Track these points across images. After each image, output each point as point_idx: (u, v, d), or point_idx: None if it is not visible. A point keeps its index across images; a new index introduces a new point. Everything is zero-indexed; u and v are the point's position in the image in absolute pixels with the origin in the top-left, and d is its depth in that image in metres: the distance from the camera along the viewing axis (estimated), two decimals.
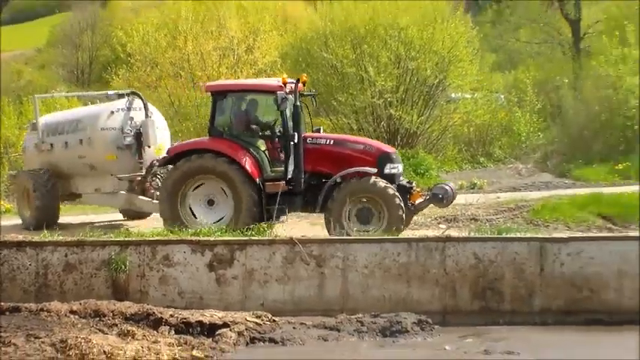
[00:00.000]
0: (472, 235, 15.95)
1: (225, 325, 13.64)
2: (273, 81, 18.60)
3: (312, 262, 15.09)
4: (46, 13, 76.11)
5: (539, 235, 15.99)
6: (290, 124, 17.86)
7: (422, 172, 28.04)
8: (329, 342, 13.37)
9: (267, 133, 18.35)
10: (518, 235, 15.76)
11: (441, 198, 18.15)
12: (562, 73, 37.11)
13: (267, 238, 15.64)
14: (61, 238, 15.98)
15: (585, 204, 21.04)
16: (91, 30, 55.36)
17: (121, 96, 20.75)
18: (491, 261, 15.00)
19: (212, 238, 15.57)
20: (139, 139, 20.13)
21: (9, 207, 24.96)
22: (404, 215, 17.35)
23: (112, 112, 20.22)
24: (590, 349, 13.43)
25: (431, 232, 17.84)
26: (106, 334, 13.10)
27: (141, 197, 19.95)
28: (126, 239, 15.81)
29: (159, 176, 19.76)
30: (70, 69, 56.02)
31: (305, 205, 17.92)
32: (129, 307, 14.26)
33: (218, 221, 17.52)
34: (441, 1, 32.21)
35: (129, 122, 20.18)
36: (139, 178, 20.08)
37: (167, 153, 18.64)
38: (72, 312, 14.02)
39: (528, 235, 15.91)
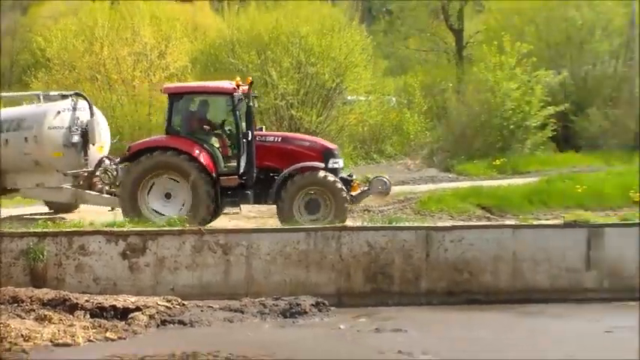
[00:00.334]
0: (365, 224, 16.10)
1: (138, 309, 13.53)
2: (227, 84, 18.42)
3: (218, 250, 15.03)
4: None
5: (426, 224, 16.21)
6: (243, 123, 17.80)
7: None
8: (234, 323, 13.37)
9: (221, 131, 18.25)
10: (407, 224, 15.94)
11: (380, 189, 18.39)
12: (447, 78, 37.50)
13: (177, 228, 15.53)
14: None
15: (467, 196, 21.34)
16: (12, 36, 54.01)
17: (64, 97, 20.31)
18: (382, 248, 15.16)
19: (125, 229, 15.43)
20: (85, 137, 19.72)
21: None
22: (348, 205, 17.55)
23: (59, 112, 19.76)
24: (469, 325, 13.69)
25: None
26: (24, 318, 12.87)
27: (89, 192, 19.54)
28: (44, 230, 15.56)
29: (109, 172, 19.21)
30: None
31: (256, 197, 17.79)
32: (46, 293, 14.02)
33: (178, 211, 17.25)
34: (338, 12, 32.30)
35: (75, 121, 19.75)
36: (86, 174, 19.65)
37: (127, 150, 18.19)
38: None
39: (416, 224, 16.10)
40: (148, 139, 19.11)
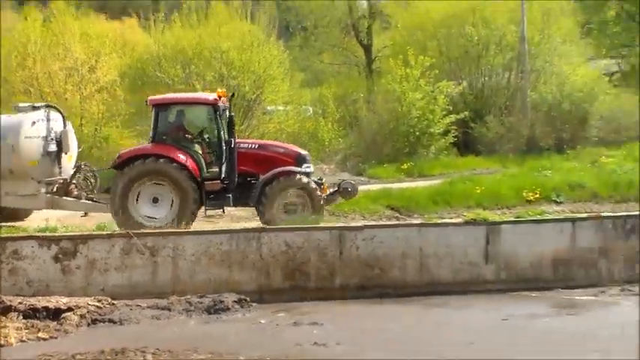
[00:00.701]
0: (283, 225, 16.01)
1: (69, 309, 13.22)
2: (209, 95, 18.52)
3: (146, 252, 14.78)
4: None
5: (339, 225, 16.19)
6: (223, 131, 17.79)
7: None
8: (161, 320, 13.17)
9: (204, 139, 18.17)
10: (322, 225, 15.92)
11: (350, 191, 18.51)
12: (358, 89, 37.70)
13: (106, 232, 15.25)
14: None
15: (377, 197, 21.44)
16: None
17: (35, 108, 19.62)
18: (299, 247, 15.08)
19: (57, 234, 15.06)
20: (59, 146, 19.17)
21: None
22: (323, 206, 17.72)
23: (34, 122, 19.05)
24: (380, 317, 13.73)
25: (249, 224, 17.77)
26: None
27: (66, 198, 18.90)
28: None
29: (88, 179, 19.03)
30: None
31: (235, 200, 17.72)
32: None
33: (165, 215, 17.24)
34: (257, 29, 32.17)
35: (50, 131, 19.15)
36: (61, 181, 19.08)
37: (118, 158, 17.84)
38: None
39: (330, 224, 16.09)
40: (137, 147, 18.67)
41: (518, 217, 16.94)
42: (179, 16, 32.49)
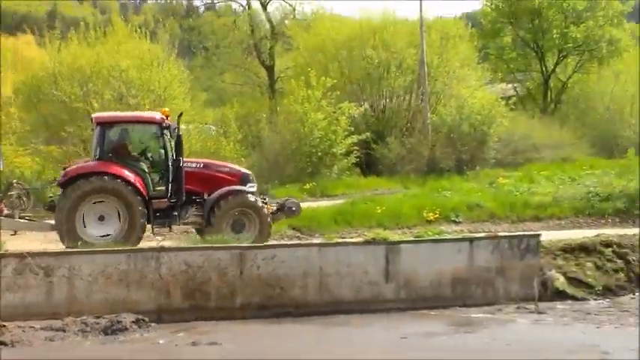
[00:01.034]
0: (183, 245, 15.91)
1: None
2: (155, 114, 18.42)
3: (40, 272, 14.44)
4: None
5: (239, 244, 16.14)
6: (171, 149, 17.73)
7: None
8: (55, 342, 12.85)
9: (151, 157, 18.02)
10: (222, 244, 15.87)
11: (294, 210, 18.68)
12: (260, 110, 37.83)
13: None
14: None
15: None
16: None
17: None
18: (199, 266, 15.01)
19: None
20: None
21: None
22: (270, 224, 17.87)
23: None
24: (280, 336, 13.76)
25: (148, 244, 17.55)
26: None
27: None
28: None
29: (22, 197, 18.46)
30: None
31: (181, 218, 17.65)
32: None
33: (108, 235, 16.92)
34: (157, 48, 32.00)
35: None
36: None
37: (64, 175, 17.34)
38: None
39: (230, 244, 16.03)
40: (82, 164, 18.06)
41: (417, 237, 17.25)
42: (76, 33, 32.02)
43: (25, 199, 18.67)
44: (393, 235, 16.97)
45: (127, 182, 17.13)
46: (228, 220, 17.48)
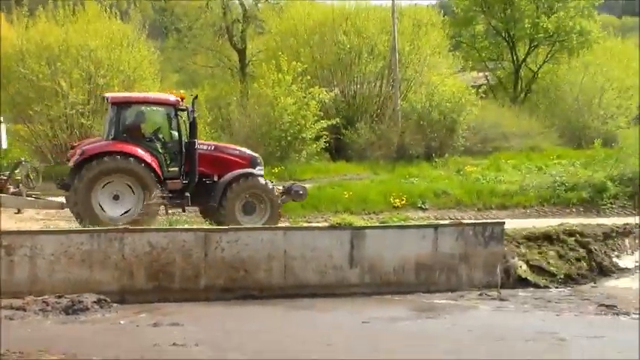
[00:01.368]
0: (147, 226, 15.87)
1: None
2: (171, 96, 18.67)
3: (1, 251, 14.33)
4: None
5: (204, 227, 16.15)
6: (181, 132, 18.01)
7: None
8: (15, 321, 12.74)
9: (165, 138, 18.16)
10: (186, 226, 15.87)
11: (301, 194, 18.90)
12: (231, 93, 37.59)
13: None
14: None
15: None
16: None
17: None
18: (163, 248, 14.97)
19: None
20: None
21: None
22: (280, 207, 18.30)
23: None
24: (243, 318, 13.78)
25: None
26: None
27: (4, 195, 17.93)
28: None
29: (31, 175, 18.49)
30: None
31: (193, 200, 17.86)
32: None
33: (125, 213, 17.20)
34: (127, 28, 31.78)
35: None
36: (2, 177, 18.36)
37: (81, 154, 17.32)
38: None
39: (195, 226, 16.02)
40: (100, 144, 18.02)
41: (383, 223, 17.34)
42: (45, 11, 31.69)
43: (33, 177, 18.62)
44: (359, 221, 17.06)
45: (144, 162, 17.36)
46: (240, 202, 17.79)
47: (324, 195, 22.60)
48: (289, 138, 30.53)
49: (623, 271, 17.36)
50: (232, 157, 18.52)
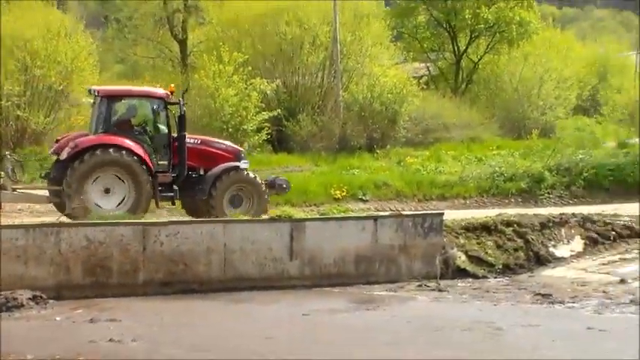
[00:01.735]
0: (84, 221, 15.71)
1: None
2: (159, 89, 19.02)
3: None
4: None
5: (142, 220, 16.04)
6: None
7: None
8: None
9: (153, 131, 18.23)
10: (124, 220, 15.74)
11: (284, 187, 19.23)
12: (172, 84, 37.27)
13: None
14: None
15: None
16: None
17: None
18: (100, 242, 14.84)
19: None
20: None
21: None
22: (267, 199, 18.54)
23: None
24: (182, 312, 13.75)
25: (48, 219, 17.29)
26: None
27: None
28: None
29: (15, 170, 18.34)
30: None
31: (181, 193, 18.05)
32: None
33: (119, 205, 17.26)
34: (65, 18, 31.34)
35: None
36: None
37: (74, 147, 17.17)
38: None
39: (132, 220, 15.90)
40: (92, 137, 17.80)
41: (322, 215, 17.40)
42: None
43: (17, 171, 18.51)
44: (299, 213, 17.09)
45: (136, 155, 17.38)
46: (228, 195, 17.96)
47: None
48: (231, 129, 30.37)
49: (559, 261, 17.69)
50: (218, 151, 18.72)
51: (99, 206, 17.20)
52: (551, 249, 17.92)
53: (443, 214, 17.63)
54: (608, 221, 19.25)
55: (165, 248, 15.18)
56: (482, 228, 17.82)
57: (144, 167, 17.42)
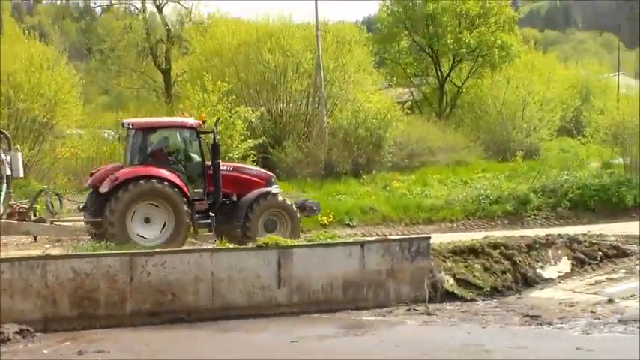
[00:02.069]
0: (71, 252, 15.68)
1: None
2: (191, 120, 19.91)
3: None
4: None
5: (128, 250, 16.01)
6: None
7: None
8: None
9: (187, 161, 18.99)
10: (111, 251, 15.72)
11: (315, 210, 20.31)
12: (157, 114, 37.33)
13: None
14: None
15: None
16: None
17: None
18: (87, 274, 14.73)
19: None
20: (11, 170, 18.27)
21: None
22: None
23: None
24: (170, 342, 13.72)
25: (35, 252, 17.25)
26: None
27: (26, 222, 18.26)
28: None
29: (53, 204, 18.76)
30: None
31: (217, 219, 18.70)
32: None
33: (159, 233, 18.12)
34: (47, 49, 31.42)
35: (2, 154, 18.09)
36: (23, 206, 18.54)
37: (114, 180, 17.88)
38: None
39: (120, 250, 15.87)
40: (131, 169, 18.42)
41: (309, 241, 17.42)
42: None
43: (54, 204, 18.87)
44: (286, 240, 17.07)
45: (174, 185, 18.08)
46: (262, 220, 18.77)
47: None
48: None
49: (547, 282, 17.72)
50: (250, 177, 19.55)
51: (141, 237, 17.90)
52: (538, 270, 17.96)
53: (430, 237, 17.67)
54: (594, 241, 19.35)
55: (152, 278, 15.12)
56: (469, 251, 17.85)
57: (182, 197, 18.12)
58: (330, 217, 23.07)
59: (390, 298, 16.50)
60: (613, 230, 21.47)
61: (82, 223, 19.06)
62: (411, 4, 46.83)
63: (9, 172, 18.33)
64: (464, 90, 46.83)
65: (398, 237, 19.91)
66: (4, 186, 18.18)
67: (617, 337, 13.16)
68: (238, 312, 15.44)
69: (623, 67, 69.48)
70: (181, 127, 19.43)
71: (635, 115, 29.06)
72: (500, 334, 13.69)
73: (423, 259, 16.86)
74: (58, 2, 58.87)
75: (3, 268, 14.33)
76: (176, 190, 18.06)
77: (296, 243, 16.71)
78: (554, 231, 20.90)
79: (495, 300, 16.75)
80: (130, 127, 19.01)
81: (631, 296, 16.04)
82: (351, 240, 18.71)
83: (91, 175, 19.28)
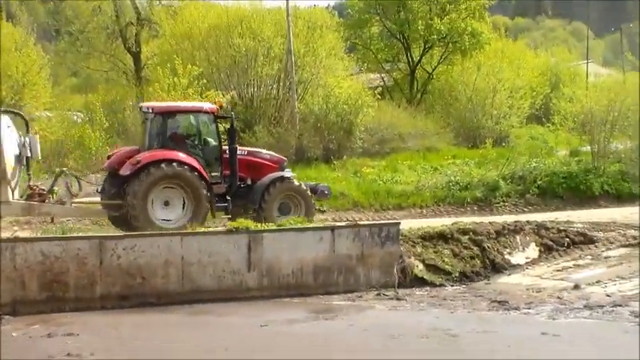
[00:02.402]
0: (40, 235, 15.63)
1: None
2: (209, 104, 20.22)
3: None
4: None
5: (99, 234, 15.99)
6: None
7: None
8: None
9: (205, 144, 19.43)
10: (81, 234, 15.70)
11: (326, 193, 20.70)
12: (127, 97, 37.25)
13: None
14: None
15: None
16: None
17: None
18: (56, 257, 14.71)
19: None
20: (30, 151, 18.15)
21: None
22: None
23: (9, 126, 17.57)
24: (140, 326, 13.75)
25: (3, 234, 17.16)
26: None
27: (46, 204, 18.20)
28: None
29: (72, 185, 18.73)
30: None
31: (233, 202, 19.12)
32: None
33: (180, 216, 18.52)
34: (15, 30, 31.16)
35: (20, 136, 18.00)
36: (42, 188, 18.50)
37: (136, 163, 18.29)
38: None
39: (89, 234, 15.86)
40: (153, 152, 18.74)
41: (280, 226, 17.46)
42: None
43: (73, 185, 18.88)
44: (256, 224, 17.12)
45: (193, 169, 18.51)
46: (277, 204, 19.24)
47: None
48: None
49: (515, 268, 17.93)
50: (264, 161, 19.99)
51: (163, 220, 18.37)
52: (506, 256, 18.17)
53: (399, 223, 17.81)
54: (562, 228, 19.62)
55: (122, 261, 15.12)
56: (438, 237, 18.01)
57: (202, 180, 18.53)
58: None
59: (360, 283, 16.62)
60: (580, 217, 21.73)
61: (99, 205, 19.38)
62: None
63: (28, 154, 18.36)
64: (434, 76, 47.02)
65: (368, 222, 20.07)
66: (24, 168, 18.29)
67: (582, 323, 13.39)
68: (208, 296, 15.47)
69: (592, 55, 70.09)
70: (199, 111, 19.79)
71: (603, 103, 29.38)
72: (468, 319, 13.84)
73: (392, 245, 16.98)
74: None
75: None
76: (195, 173, 18.47)
77: (266, 227, 16.76)
78: (523, 217, 21.14)
79: (464, 285, 16.92)
80: (150, 111, 19.27)
81: (597, 282, 16.30)
82: (322, 225, 18.77)
83: (108, 157, 19.65)
